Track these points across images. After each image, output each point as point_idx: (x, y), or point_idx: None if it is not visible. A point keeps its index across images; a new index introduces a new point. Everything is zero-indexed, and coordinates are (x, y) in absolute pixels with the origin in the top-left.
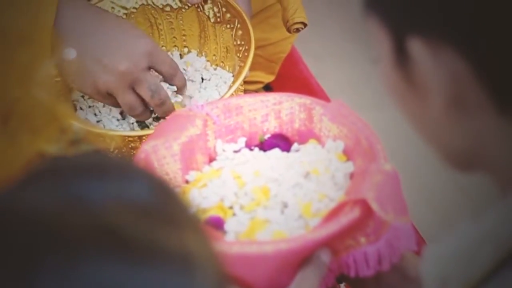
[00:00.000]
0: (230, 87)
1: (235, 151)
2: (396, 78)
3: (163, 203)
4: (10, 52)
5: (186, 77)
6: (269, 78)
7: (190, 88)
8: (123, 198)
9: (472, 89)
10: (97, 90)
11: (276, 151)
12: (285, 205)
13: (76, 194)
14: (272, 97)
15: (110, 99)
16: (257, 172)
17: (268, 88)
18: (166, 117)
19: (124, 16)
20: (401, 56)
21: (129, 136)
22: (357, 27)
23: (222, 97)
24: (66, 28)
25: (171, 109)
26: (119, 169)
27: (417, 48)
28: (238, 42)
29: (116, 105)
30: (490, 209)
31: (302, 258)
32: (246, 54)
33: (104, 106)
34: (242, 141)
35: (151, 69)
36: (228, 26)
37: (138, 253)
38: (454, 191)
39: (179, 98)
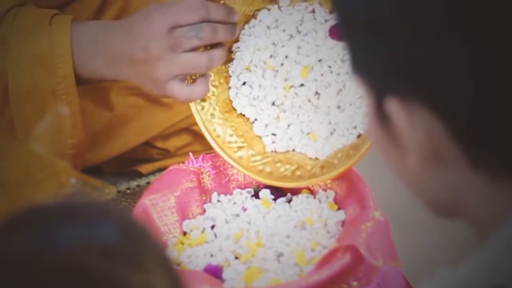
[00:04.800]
0: None
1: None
2: (379, 134)
3: (130, 245)
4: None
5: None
6: None
7: None
8: (90, 241)
9: (446, 145)
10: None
11: (270, 202)
12: (280, 254)
13: (45, 237)
14: None
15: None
16: (252, 228)
17: None
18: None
19: None
20: (381, 113)
21: None
22: None
23: None
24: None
25: (232, 31)
26: (89, 213)
27: (393, 108)
28: None
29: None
30: (468, 256)
31: None
32: None
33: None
34: (237, 192)
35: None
36: None
37: None
38: (440, 236)
39: None
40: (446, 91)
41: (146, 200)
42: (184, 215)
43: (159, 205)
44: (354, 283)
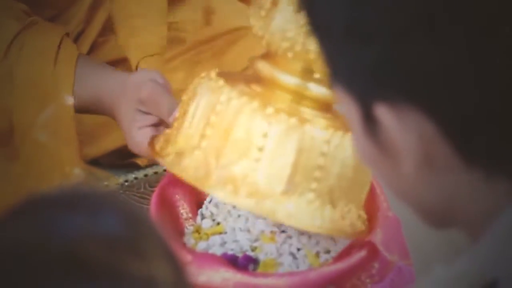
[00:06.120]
0: None
1: None
2: (367, 144)
3: (132, 235)
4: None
5: None
6: None
7: None
8: (92, 230)
9: (439, 147)
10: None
11: None
12: (295, 254)
13: (48, 226)
14: None
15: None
16: (267, 226)
17: None
18: None
19: None
20: (369, 122)
21: None
22: None
23: None
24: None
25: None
26: (92, 202)
27: (383, 114)
28: None
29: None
30: (463, 253)
31: None
32: None
33: None
34: None
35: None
36: None
37: (102, 279)
38: (438, 237)
39: None
40: (439, 92)
41: (164, 188)
42: (200, 206)
43: (178, 193)
44: (367, 280)
